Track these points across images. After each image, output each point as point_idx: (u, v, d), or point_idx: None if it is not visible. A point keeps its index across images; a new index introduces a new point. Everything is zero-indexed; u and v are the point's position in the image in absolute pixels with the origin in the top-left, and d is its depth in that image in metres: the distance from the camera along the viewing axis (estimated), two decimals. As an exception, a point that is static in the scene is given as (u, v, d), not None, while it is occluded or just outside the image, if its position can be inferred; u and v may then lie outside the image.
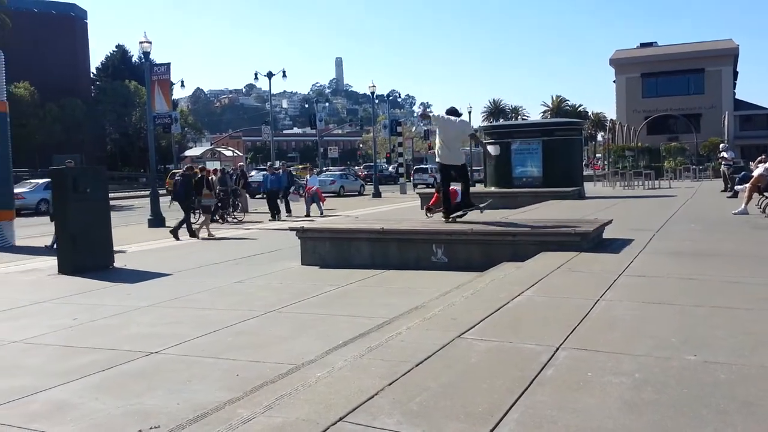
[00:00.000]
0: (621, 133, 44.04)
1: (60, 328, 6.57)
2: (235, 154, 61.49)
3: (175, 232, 15.20)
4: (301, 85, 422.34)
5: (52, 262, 10.99)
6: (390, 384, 3.69)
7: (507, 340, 4.53)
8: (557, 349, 4.28)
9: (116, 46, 68.64)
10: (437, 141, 10.65)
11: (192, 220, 16.14)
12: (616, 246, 8.78)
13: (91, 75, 64.54)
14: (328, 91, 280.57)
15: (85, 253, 10.40)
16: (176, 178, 19.58)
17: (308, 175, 23.69)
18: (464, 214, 10.74)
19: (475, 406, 3.35)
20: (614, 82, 61.14)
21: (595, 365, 3.95)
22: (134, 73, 60.18)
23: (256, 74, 46.46)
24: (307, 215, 20.59)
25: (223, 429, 3.23)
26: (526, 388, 3.59)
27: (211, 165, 42.51)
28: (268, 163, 26.63)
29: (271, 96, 45.45)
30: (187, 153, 60.57)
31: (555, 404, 3.35)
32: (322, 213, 21.29)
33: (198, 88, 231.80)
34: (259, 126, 77.56)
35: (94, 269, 10.22)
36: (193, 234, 15.45)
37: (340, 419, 3.22)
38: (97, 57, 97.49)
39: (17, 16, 44.31)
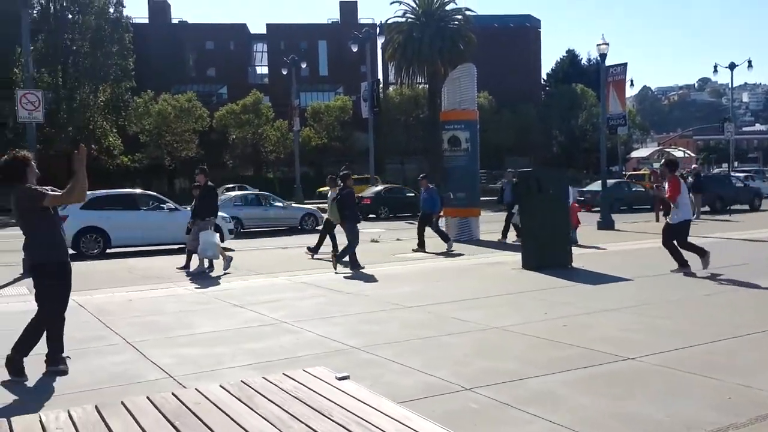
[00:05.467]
0: None
1: (536, 320, 7.05)
2: (686, 155, 57.49)
3: None
4: (766, 76, 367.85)
5: (514, 257, 11.92)
6: None
7: None
8: None
9: (566, 51, 71.11)
10: None
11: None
12: None
13: (542, 81, 68.24)
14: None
15: (547, 251, 10.96)
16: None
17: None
18: None
19: None
20: None
21: None
22: (582, 76, 61.45)
23: (715, 66, 42.70)
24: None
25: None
26: None
27: (657, 166, 40.56)
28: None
29: (733, 89, 41.06)
30: (633, 154, 59.16)
31: None
32: (576, 242, 13.74)
33: (645, 86, 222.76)
34: (712, 124, 70.98)
35: (554, 267, 10.66)
36: None
37: None
38: (547, 63, 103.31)
39: (480, 33, 49.38)
